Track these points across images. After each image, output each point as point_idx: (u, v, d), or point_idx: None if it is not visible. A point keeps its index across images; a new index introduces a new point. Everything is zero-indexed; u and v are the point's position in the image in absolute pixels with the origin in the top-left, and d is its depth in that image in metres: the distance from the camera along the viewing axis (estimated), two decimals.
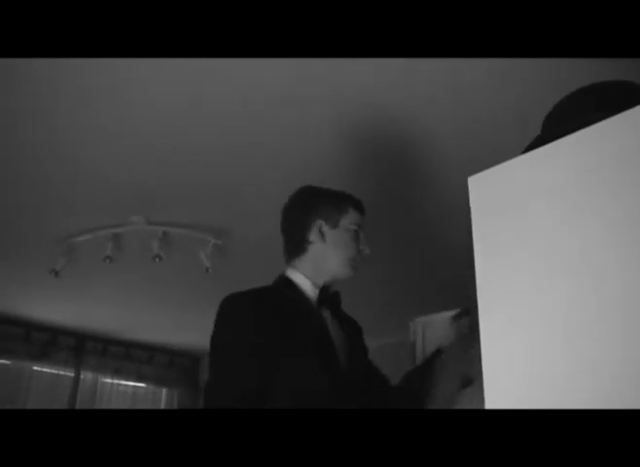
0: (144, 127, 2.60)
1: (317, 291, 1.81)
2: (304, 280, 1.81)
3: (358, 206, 1.90)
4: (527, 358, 0.86)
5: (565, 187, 0.88)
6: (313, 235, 1.83)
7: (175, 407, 6.70)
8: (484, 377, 0.90)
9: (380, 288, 4.54)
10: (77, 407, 6.10)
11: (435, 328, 3.15)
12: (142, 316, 5.60)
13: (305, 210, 1.86)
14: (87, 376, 6.29)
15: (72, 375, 6.21)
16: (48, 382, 6.06)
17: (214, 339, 1.70)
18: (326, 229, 1.83)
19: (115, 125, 2.59)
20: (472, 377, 1.79)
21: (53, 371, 6.12)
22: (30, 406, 5.83)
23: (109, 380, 6.42)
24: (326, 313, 1.82)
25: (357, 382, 1.78)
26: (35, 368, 6.00)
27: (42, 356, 6.00)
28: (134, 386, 6.58)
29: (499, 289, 0.92)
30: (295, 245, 1.86)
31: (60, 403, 6.05)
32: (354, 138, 2.65)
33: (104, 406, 6.28)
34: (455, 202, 3.04)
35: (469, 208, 0.99)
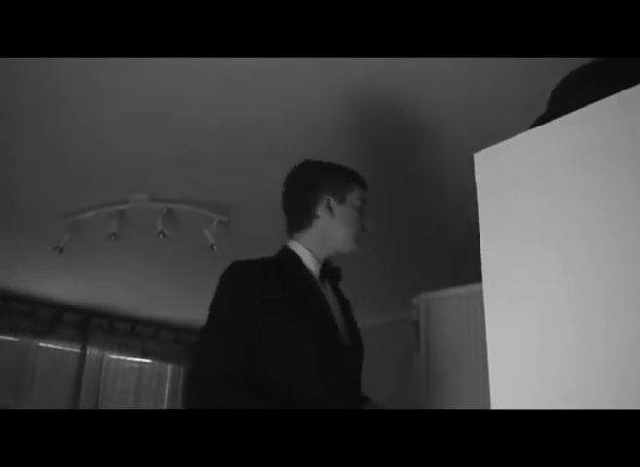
0: (149, 105, 2.59)
1: (319, 266, 1.83)
2: (307, 254, 1.82)
3: (362, 182, 1.91)
4: (534, 343, 0.86)
5: (570, 162, 0.87)
6: (321, 210, 1.84)
7: (181, 382, 6.76)
8: (490, 370, 0.90)
9: (383, 264, 4.55)
10: (83, 383, 6.16)
11: (440, 305, 3.16)
12: (147, 293, 5.62)
13: (313, 185, 1.87)
14: (92, 352, 6.34)
15: (78, 351, 6.26)
16: (54, 359, 6.12)
17: (219, 299, 1.71)
18: (334, 204, 1.84)
19: (120, 103, 2.58)
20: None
21: (58, 347, 6.17)
22: (37, 382, 5.89)
23: (115, 357, 6.47)
24: (326, 289, 1.84)
25: (356, 358, 1.82)
26: (41, 344, 6.04)
27: (48, 333, 6.05)
28: (140, 362, 6.64)
29: (505, 265, 0.92)
30: (300, 219, 1.86)
31: (66, 379, 6.11)
32: (357, 112, 2.65)
33: (110, 381, 6.34)
34: (462, 178, 3.04)
35: (474, 184, 0.99)
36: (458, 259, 3.99)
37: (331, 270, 1.87)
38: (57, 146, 2.96)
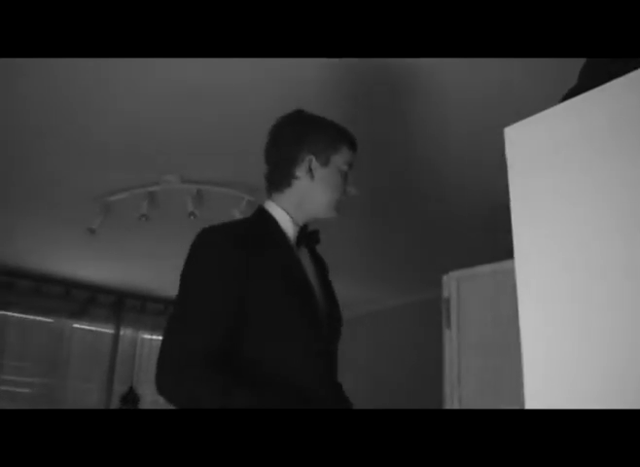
0: (179, 86, 2.60)
1: (297, 229, 1.70)
2: (284, 216, 1.69)
3: (352, 143, 1.75)
4: (567, 320, 0.85)
5: (602, 135, 0.86)
6: (301, 171, 1.69)
7: None
8: (523, 348, 0.89)
9: (409, 242, 4.53)
10: (117, 362, 6.27)
11: (470, 282, 3.15)
12: (179, 273, 5.67)
13: (297, 141, 1.70)
14: (126, 332, 6.43)
15: (112, 331, 6.36)
16: (89, 339, 6.23)
17: (194, 266, 1.60)
18: (316, 165, 1.69)
19: (150, 84, 2.59)
20: None
21: (93, 328, 6.27)
22: (72, 362, 6.01)
23: (148, 336, 6.56)
24: (303, 253, 1.72)
25: (334, 322, 1.72)
26: (75, 325, 6.15)
27: (82, 314, 6.15)
28: None
29: (536, 241, 0.91)
30: (279, 177, 1.72)
31: (101, 359, 6.21)
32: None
33: (144, 361, 6.43)
34: (489, 154, 3.01)
35: (505, 159, 0.98)
36: (487, 237, 3.96)
37: (307, 234, 1.74)
38: (89, 128, 2.99)
